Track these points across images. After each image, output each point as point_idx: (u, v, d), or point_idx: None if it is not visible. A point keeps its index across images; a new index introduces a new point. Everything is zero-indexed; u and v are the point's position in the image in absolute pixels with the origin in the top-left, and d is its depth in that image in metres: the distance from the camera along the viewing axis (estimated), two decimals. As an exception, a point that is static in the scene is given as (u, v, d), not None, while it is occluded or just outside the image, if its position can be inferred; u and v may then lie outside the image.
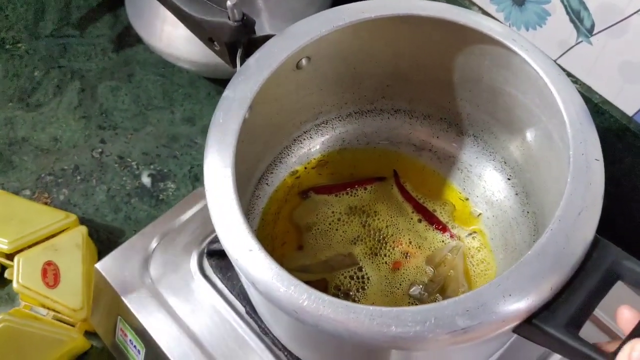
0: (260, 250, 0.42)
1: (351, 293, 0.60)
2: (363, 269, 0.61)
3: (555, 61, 0.51)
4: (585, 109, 0.48)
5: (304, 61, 0.55)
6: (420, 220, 0.64)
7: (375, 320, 0.40)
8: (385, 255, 0.62)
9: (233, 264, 0.43)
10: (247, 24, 0.51)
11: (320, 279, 0.61)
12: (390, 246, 0.63)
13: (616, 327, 0.60)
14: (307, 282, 0.41)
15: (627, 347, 0.38)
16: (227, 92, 0.49)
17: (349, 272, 0.61)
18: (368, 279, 0.61)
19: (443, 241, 0.63)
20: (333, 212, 0.65)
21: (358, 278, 0.61)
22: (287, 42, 0.52)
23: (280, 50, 0.51)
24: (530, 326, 0.42)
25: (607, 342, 0.41)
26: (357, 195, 0.66)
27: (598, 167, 0.46)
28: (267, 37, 0.52)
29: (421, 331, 0.40)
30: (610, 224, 0.46)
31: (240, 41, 0.52)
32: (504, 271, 0.59)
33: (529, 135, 0.57)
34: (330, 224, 0.64)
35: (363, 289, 0.60)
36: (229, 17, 0.51)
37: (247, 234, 0.42)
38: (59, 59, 0.93)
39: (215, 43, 0.54)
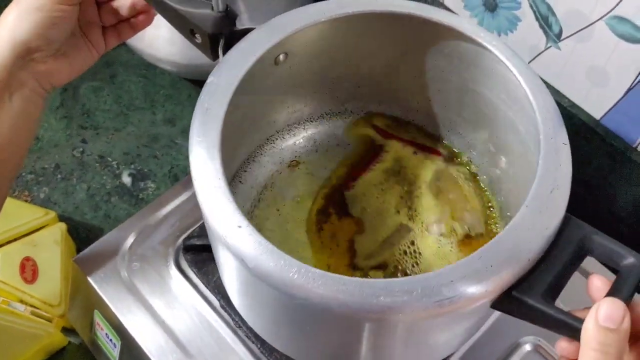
0: (248, 226, 0.39)
1: (408, 272, 0.58)
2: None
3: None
4: (551, 97, 0.48)
5: (281, 57, 0.54)
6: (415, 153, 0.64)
7: (364, 291, 0.38)
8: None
9: (220, 242, 0.40)
10: (229, 15, 0.50)
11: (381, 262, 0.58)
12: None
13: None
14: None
15: (592, 310, 0.37)
16: (212, 78, 0.47)
17: (402, 247, 0.59)
18: (420, 253, 0.59)
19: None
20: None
21: (411, 253, 0.59)
22: (268, 35, 0.50)
23: (262, 42, 0.50)
24: (509, 298, 0.41)
25: (580, 310, 0.41)
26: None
27: (566, 150, 0.46)
28: (247, 30, 0.51)
29: (409, 300, 0.38)
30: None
31: (222, 33, 0.50)
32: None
33: (496, 130, 0.57)
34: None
35: (417, 264, 0.58)
36: (212, 8, 0.49)
37: (235, 210, 0.40)
38: (41, 59, 0.90)
39: (197, 35, 0.52)
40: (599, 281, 0.41)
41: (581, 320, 0.38)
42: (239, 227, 0.40)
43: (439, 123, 0.64)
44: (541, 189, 0.43)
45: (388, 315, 0.38)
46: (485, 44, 0.51)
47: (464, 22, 0.52)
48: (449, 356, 0.57)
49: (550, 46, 0.63)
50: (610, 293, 0.39)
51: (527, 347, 0.59)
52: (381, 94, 0.64)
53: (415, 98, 0.63)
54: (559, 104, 0.63)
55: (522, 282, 0.41)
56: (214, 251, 0.50)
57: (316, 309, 0.39)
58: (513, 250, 0.40)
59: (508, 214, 0.58)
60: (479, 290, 0.39)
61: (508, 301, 0.41)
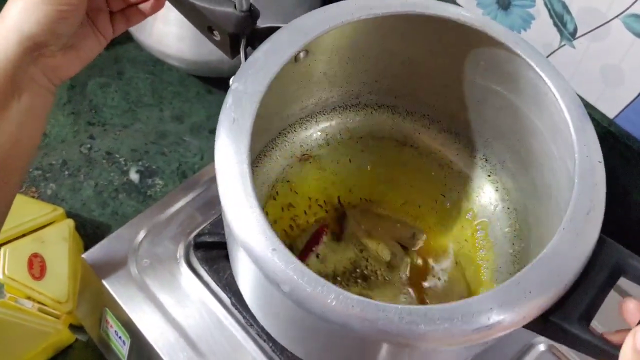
0: (284, 250, 0.37)
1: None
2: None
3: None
4: (585, 111, 0.46)
5: (302, 54, 0.51)
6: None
7: (404, 319, 0.36)
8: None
9: (254, 264, 0.38)
10: (253, 14, 0.46)
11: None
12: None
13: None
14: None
15: (629, 337, 0.36)
16: (237, 85, 0.44)
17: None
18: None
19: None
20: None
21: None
22: (294, 36, 0.47)
23: (288, 44, 0.47)
24: (545, 322, 0.39)
25: (613, 333, 0.40)
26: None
27: (600, 169, 0.44)
28: (271, 29, 0.48)
29: (449, 328, 0.36)
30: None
31: (244, 32, 0.47)
32: (484, 266, 0.58)
33: (518, 135, 0.55)
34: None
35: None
36: (235, 6, 0.46)
37: (270, 232, 0.38)
38: (48, 55, 0.86)
39: (216, 33, 0.48)
40: (633, 304, 0.40)
41: (617, 347, 0.37)
42: (274, 250, 0.37)
43: (456, 120, 0.61)
44: (578, 211, 0.41)
45: (427, 343, 0.37)
46: (517, 50, 0.48)
47: (493, 23, 0.50)
48: (463, 358, 0.56)
49: (564, 44, 0.61)
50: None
51: (541, 347, 0.58)
52: (398, 88, 0.61)
53: (433, 94, 0.60)
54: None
55: (559, 307, 0.39)
56: (234, 262, 0.47)
57: (354, 335, 0.37)
58: (550, 275, 0.39)
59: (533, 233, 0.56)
60: (516, 318, 0.38)
61: (543, 325, 0.40)
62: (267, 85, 0.44)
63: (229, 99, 0.43)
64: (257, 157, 0.60)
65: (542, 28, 0.62)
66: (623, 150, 0.61)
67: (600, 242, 0.42)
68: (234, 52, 0.48)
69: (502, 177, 0.60)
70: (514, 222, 0.59)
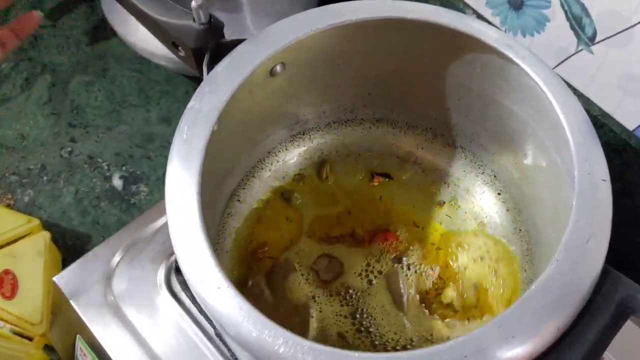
0: (229, 288, 0.35)
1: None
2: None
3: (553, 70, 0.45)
4: (589, 123, 0.43)
5: (278, 68, 0.49)
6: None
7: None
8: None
9: (199, 302, 0.36)
10: (214, 27, 0.44)
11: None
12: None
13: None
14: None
15: None
16: (193, 103, 0.42)
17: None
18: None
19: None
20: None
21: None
22: (259, 48, 0.45)
23: (251, 57, 0.45)
24: (534, 371, 0.36)
25: None
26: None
27: (605, 188, 0.40)
28: (237, 42, 0.46)
29: (412, 382, 0.33)
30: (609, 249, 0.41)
31: (207, 46, 0.45)
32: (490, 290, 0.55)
33: (523, 148, 0.52)
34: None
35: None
36: (193, 19, 0.44)
37: (215, 268, 0.36)
38: (28, 50, 0.85)
39: (180, 48, 0.47)
40: None
41: None
42: (219, 288, 0.35)
43: (459, 133, 0.58)
44: (575, 238, 0.38)
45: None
46: (511, 55, 0.45)
47: (485, 27, 0.47)
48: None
49: (582, 49, 0.57)
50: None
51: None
52: (393, 100, 0.59)
53: (432, 106, 0.57)
54: (587, 112, 0.57)
55: (550, 352, 0.36)
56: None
57: (307, 384, 0.34)
58: (540, 317, 0.35)
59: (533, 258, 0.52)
60: (497, 366, 0.34)
61: (532, 374, 0.36)
62: (226, 102, 0.42)
63: (183, 119, 0.41)
64: (244, 178, 0.58)
65: (558, 31, 0.58)
66: (645, 163, 0.57)
67: (604, 276, 0.38)
68: (200, 67, 0.47)
69: (512, 195, 0.57)
70: (527, 245, 0.55)
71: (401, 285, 0.54)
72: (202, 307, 0.35)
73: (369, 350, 0.51)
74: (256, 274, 0.56)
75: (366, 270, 0.56)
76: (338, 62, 0.53)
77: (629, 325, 0.38)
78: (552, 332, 0.35)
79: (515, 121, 0.50)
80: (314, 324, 0.52)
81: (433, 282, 0.55)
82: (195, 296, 0.36)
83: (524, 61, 0.45)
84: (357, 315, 0.53)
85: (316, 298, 0.53)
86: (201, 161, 0.39)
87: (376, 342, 0.51)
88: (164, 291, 0.60)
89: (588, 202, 0.39)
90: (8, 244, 0.67)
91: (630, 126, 0.58)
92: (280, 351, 0.33)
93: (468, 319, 0.53)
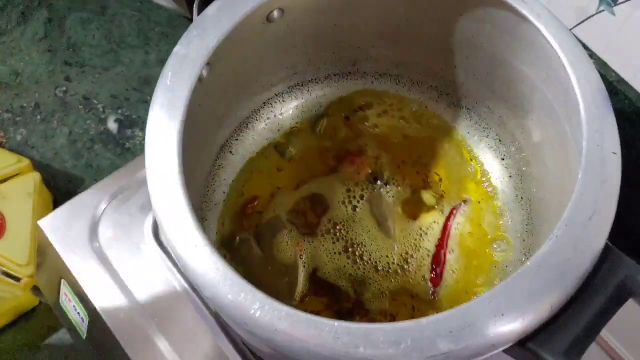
0: (206, 246, 0.33)
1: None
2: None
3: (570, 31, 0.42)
4: (604, 91, 0.40)
5: (276, 13, 0.46)
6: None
7: (340, 339, 0.31)
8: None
9: (175, 260, 0.34)
10: (207, -36, 0.41)
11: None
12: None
13: (623, 351, 0.53)
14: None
15: None
16: (178, 48, 0.39)
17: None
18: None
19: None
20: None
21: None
22: (256, -11, 0.42)
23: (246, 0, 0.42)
24: (523, 350, 0.34)
25: None
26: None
27: (615, 162, 0.38)
28: (233, -19, 0.42)
29: (394, 354, 0.32)
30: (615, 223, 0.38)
31: (197, -15, 0.43)
32: (490, 262, 0.53)
33: (531, 114, 0.49)
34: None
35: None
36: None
37: (192, 225, 0.34)
38: (25, -18, 0.82)
39: (173, -15, 0.44)
40: None
41: None
42: (195, 246, 0.33)
43: (465, 93, 0.55)
44: (577, 213, 0.36)
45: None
46: (524, 12, 0.42)
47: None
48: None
49: (602, 10, 0.54)
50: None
51: None
52: (398, 54, 0.56)
53: (439, 63, 0.54)
54: (603, 78, 0.54)
55: (541, 332, 0.34)
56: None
57: (282, 351, 0.33)
58: (532, 295, 0.33)
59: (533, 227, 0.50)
60: (483, 344, 0.32)
61: (521, 353, 0.34)
62: (214, 48, 0.39)
63: (167, 64, 0.39)
64: (237, 129, 0.56)
65: (579, -10, 0.54)
66: (661, 135, 0.54)
67: (605, 254, 0.36)
68: (190, 8, 0.44)
69: (516, 162, 0.54)
70: (527, 214, 0.53)
71: (384, 208, 0.53)
72: (179, 265, 0.34)
73: (372, 276, 0.51)
74: (245, 228, 0.54)
75: (348, 197, 0.54)
76: (341, 11, 0.50)
77: (630, 304, 0.36)
78: (545, 311, 0.33)
79: (524, 84, 0.48)
80: (302, 278, 0.51)
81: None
82: (172, 254, 0.34)
83: (538, 19, 0.42)
84: (349, 248, 0.52)
85: (305, 249, 0.52)
86: (184, 110, 0.37)
87: (379, 267, 0.51)
88: (151, 240, 0.58)
89: (595, 176, 0.37)
90: (-1, 182, 0.66)
91: (648, 94, 0.55)
92: (257, 316, 0.32)
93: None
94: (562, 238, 0.35)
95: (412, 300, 0.51)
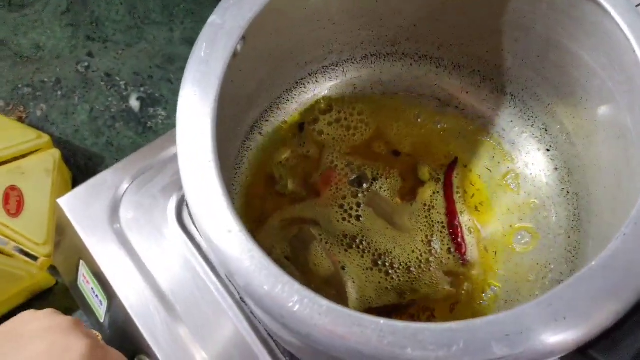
0: (241, 232, 0.30)
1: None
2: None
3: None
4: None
5: (316, -14, 0.43)
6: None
7: (385, 339, 0.29)
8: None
9: (207, 244, 0.32)
10: None
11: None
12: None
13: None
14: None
15: None
16: (214, 18, 0.37)
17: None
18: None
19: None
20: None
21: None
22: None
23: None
24: (584, 358, 0.31)
25: None
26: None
27: (685, 157, 0.34)
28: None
29: (445, 357, 0.29)
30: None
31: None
32: (532, 260, 0.50)
33: (585, 102, 0.46)
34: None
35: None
36: None
37: (227, 208, 0.31)
38: (48, -47, 0.80)
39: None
40: None
41: None
42: (229, 231, 0.30)
43: (511, 79, 0.52)
44: (647, 210, 0.32)
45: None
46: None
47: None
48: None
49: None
50: None
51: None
52: (441, 36, 0.53)
53: (485, 46, 0.51)
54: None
55: (604, 339, 0.31)
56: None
57: (321, 349, 0.30)
58: (596, 299, 0.31)
59: (587, 224, 0.47)
60: (541, 350, 0.30)
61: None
62: (252, 19, 0.36)
63: (201, 36, 0.36)
64: (267, 109, 0.53)
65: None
66: None
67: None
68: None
69: (564, 153, 0.51)
70: (574, 209, 0.50)
71: (385, 205, 0.51)
72: (210, 250, 0.31)
73: (409, 279, 0.49)
74: (269, 214, 0.51)
75: (345, 211, 0.52)
76: (384, -14, 0.47)
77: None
78: (609, 317, 0.31)
79: (580, 70, 0.44)
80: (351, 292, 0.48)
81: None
82: (203, 238, 0.32)
83: (604, -1, 0.38)
84: (379, 261, 0.50)
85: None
86: (219, 85, 0.34)
87: (411, 268, 0.49)
88: (174, 223, 0.56)
89: (665, 169, 0.33)
90: (16, 158, 0.64)
91: None
92: (295, 309, 0.29)
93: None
94: (631, 237, 0.32)
95: (446, 276, 0.49)
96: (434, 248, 0.50)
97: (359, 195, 0.52)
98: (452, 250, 0.50)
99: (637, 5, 0.50)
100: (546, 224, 0.50)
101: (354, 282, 0.48)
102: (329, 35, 0.51)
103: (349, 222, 0.51)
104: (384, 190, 0.52)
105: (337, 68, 0.55)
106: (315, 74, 0.54)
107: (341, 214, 0.51)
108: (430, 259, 0.50)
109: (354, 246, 0.50)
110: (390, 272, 0.49)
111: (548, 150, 0.52)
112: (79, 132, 0.71)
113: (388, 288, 0.48)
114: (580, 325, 0.30)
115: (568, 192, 0.50)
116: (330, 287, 0.47)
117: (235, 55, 0.37)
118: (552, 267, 0.49)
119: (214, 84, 0.35)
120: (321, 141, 0.53)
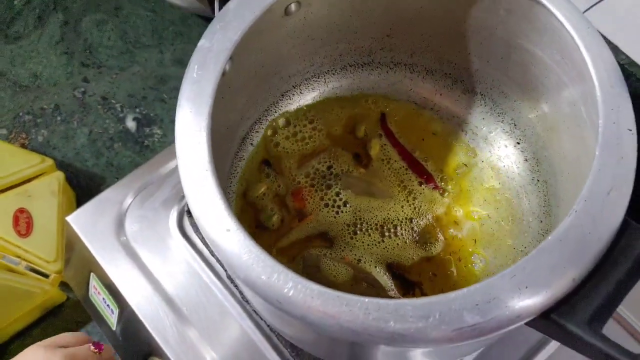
0: (239, 231, 0.34)
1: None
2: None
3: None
4: (618, 71, 0.41)
5: (293, 6, 0.47)
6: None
7: (371, 315, 0.33)
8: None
9: (209, 244, 0.36)
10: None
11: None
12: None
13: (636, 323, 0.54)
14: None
15: None
16: (203, 42, 0.41)
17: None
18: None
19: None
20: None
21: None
22: (274, -16, 0.43)
23: (264, -7, 0.43)
24: (547, 321, 0.35)
25: None
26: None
27: (630, 139, 0.39)
28: (253, -23, 0.44)
29: (424, 328, 0.33)
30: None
31: (219, -17, 0.44)
32: (509, 244, 0.54)
33: (546, 96, 0.50)
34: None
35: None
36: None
37: (224, 210, 0.35)
38: (41, -14, 0.84)
39: (195, -19, 0.45)
40: None
41: (634, 356, 0.33)
42: (228, 230, 0.35)
43: (479, 79, 0.57)
44: (596, 190, 0.37)
45: (399, 344, 0.33)
46: (538, -4, 0.43)
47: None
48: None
49: (614, -7, 0.55)
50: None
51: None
52: (413, 44, 0.57)
53: (453, 50, 0.55)
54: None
55: (563, 304, 0.35)
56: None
57: (315, 328, 0.34)
58: (554, 268, 0.35)
59: (554, 207, 0.51)
60: (508, 317, 0.34)
61: (545, 324, 0.36)
62: (237, 41, 0.40)
63: (193, 58, 0.40)
64: (256, 121, 0.57)
65: (587, -27, 0.56)
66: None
67: (623, 229, 0.37)
68: (212, 4, 0.45)
69: (532, 145, 0.55)
70: (544, 196, 0.54)
71: (360, 183, 0.56)
72: (212, 249, 0.35)
73: (416, 229, 0.54)
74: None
75: (332, 204, 0.56)
76: (357, 2, 0.51)
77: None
78: (567, 284, 0.35)
79: (539, 67, 0.49)
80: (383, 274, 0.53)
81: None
82: (205, 238, 0.36)
83: (551, 3, 0.43)
84: (386, 233, 0.54)
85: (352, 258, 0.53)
86: (211, 102, 0.38)
87: (413, 222, 0.54)
88: (176, 232, 0.60)
89: (612, 153, 0.38)
90: (22, 183, 0.68)
91: (659, 76, 0.55)
92: (290, 295, 0.33)
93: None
94: (582, 213, 0.36)
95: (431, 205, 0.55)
96: (410, 192, 0.55)
97: (332, 186, 0.56)
98: (424, 183, 0.56)
99: (584, 12, 0.55)
100: (520, 211, 0.55)
101: (375, 267, 0.52)
102: (309, 50, 0.55)
103: (342, 211, 0.55)
104: (346, 169, 0.57)
105: (319, 79, 0.59)
106: (299, 85, 0.59)
107: (331, 210, 0.55)
108: (422, 204, 0.55)
109: (358, 231, 0.54)
110: (398, 234, 0.54)
111: (518, 143, 0.56)
112: (80, 155, 0.75)
113: (406, 247, 0.53)
114: (541, 292, 0.34)
115: (538, 181, 0.54)
116: (359, 284, 0.51)
117: (224, 74, 0.41)
118: (527, 250, 0.53)
119: (207, 101, 0.39)
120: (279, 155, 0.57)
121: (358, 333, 0.33)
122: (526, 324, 0.36)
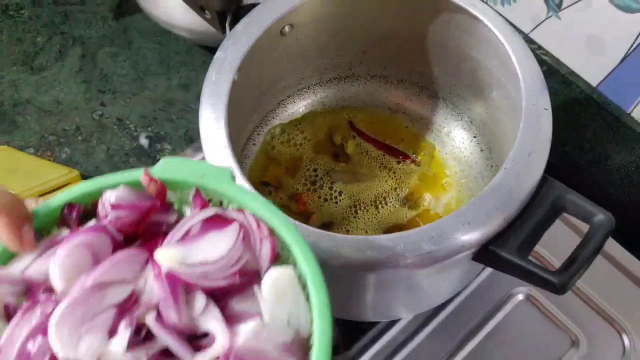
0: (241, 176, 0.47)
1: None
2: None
3: (525, 33, 0.56)
4: (537, 65, 0.53)
5: (287, 28, 0.59)
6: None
7: (352, 247, 0.45)
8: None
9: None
10: (236, -7, 0.56)
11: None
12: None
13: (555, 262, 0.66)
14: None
15: None
16: (219, 54, 0.53)
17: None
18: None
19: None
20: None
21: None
22: (271, 10, 0.56)
23: (265, 17, 0.56)
24: (486, 252, 0.47)
25: None
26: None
27: (547, 116, 0.51)
28: (253, 5, 0.57)
29: (393, 255, 0.45)
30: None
31: (229, 9, 0.57)
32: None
33: (491, 95, 0.62)
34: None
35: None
36: (219, -12, 0.55)
37: (239, 174, 0.47)
38: (60, 25, 0.96)
39: (206, 11, 0.58)
40: None
41: (552, 272, 0.45)
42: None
43: (440, 86, 0.69)
44: (519, 153, 0.49)
45: (375, 268, 0.45)
46: (476, 13, 0.56)
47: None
48: (445, 303, 0.64)
49: (551, 16, 0.67)
50: (579, 246, 0.46)
51: (520, 297, 0.65)
52: (386, 58, 0.70)
53: (418, 62, 0.68)
54: (557, 72, 0.68)
55: (498, 238, 0.47)
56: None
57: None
58: (490, 210, 0.47)
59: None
60: (455, 246, 0.46)
61: (486, 255, 0.48)
62: (246, 53, 0.53)
63: (211, 66, 0.52)
64: (258, 125, 0.70)
65: (530, 1, 0.68)
66: (605, 115, 0.68)
67: (542, 182, 0.49)
68: (223, 27, 0.58)
69: (485, 137, 0.67)
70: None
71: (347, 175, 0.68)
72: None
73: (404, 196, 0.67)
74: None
75: (330, 196, 0.67)
76: (338, 25, 0.64)
77: (558, 224, 0.49)
78: (499, 222, 0.47)
79: (483, 72, 0.61)
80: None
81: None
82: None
83: (484, 16, 0.55)
84: (379, 205, 0.66)
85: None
86: (227, 99, 0.51)
87: (400, 194, 0.62)
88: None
89: (532, 126, 0.50)
90: (51, 191, 0.78)
91: (594, 82, 0.67)
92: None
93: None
94: (509, 170, 0.48)
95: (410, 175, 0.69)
96: (390, 169, 0.68)
97: (324, 184, 0.68)
98: (401, 162, 0.69)
99: (528, 33, 0.67)
100: (478, 191, 0.67)
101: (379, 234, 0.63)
102: (300, 65, 0.68)
103: (340, 199, 0.66)
104: (330, 168, 0.69)
105: (308, 90, 0.72)
106: (293, 96, 0.71)
107: (331, 203, 0.67)
108: (404, 174, 0.68)
109: (358, 210, 0.66)
110: (388, 204, 0.67)
111: (475, 137, 0.69)
112: (99, 169, 0.85)
113: (397, 211, 0.66)
114: (480, 228, 0.46)
115: (492, 166, 0.67)
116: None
117: (234, 82, 0.54)
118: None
119: (223, 99, 0.51)
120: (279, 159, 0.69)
121: (344, 259, 0.45)
122: (472, 259, 0.48)
